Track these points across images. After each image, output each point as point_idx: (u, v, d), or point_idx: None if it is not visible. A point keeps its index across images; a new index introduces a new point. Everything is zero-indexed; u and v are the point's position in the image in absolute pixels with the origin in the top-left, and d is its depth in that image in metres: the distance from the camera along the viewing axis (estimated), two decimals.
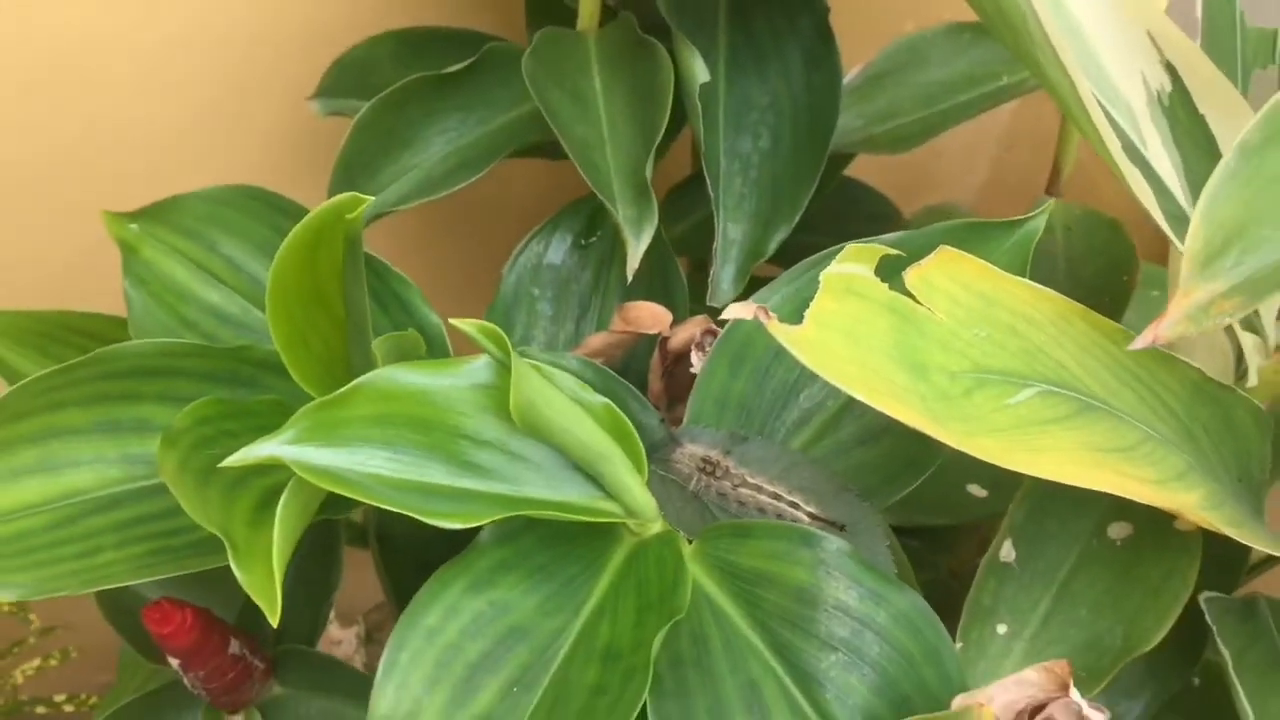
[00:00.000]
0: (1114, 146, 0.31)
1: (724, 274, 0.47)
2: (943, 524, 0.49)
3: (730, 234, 0.47)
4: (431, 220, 0.54)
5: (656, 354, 0.45)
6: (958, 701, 0.29)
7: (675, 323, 0.45)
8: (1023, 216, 0.35)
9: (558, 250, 0.50)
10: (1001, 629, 0.37)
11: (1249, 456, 0.38)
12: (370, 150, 0.50)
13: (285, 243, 0.32)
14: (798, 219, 0.47)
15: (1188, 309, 0.24)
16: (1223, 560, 0.40)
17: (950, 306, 0.30)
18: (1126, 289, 0.45)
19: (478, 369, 0.29)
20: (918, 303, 0.30)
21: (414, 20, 0.56)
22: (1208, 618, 0.38)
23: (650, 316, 0.44)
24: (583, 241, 0.50)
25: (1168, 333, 0.25)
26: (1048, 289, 0.33)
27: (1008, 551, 0.38)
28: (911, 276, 0.29)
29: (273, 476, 0.30)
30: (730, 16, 0.49)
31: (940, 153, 0.75)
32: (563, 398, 0.29)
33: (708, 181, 0.47)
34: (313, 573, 0.44)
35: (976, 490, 0.44)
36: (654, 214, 0.44)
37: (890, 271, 0.30)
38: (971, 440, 0.28)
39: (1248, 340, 0.38)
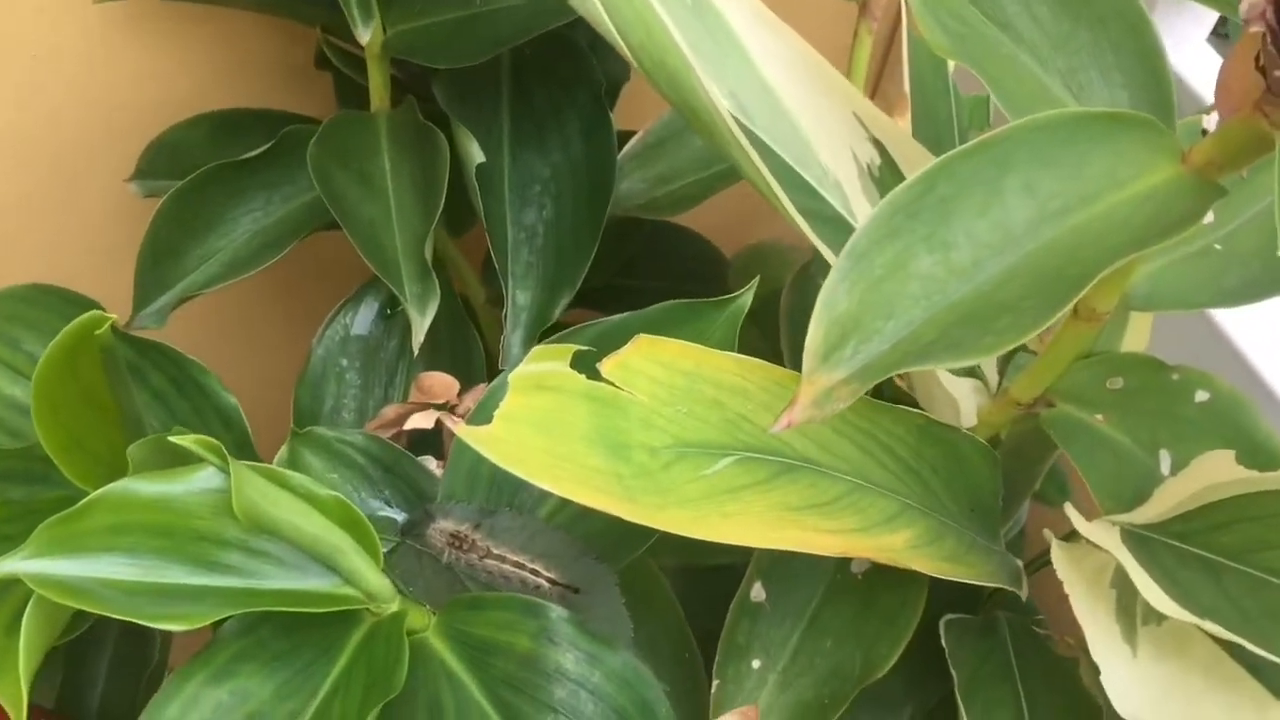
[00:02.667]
0: (799, 218, 0.34)
1: (514, 339, 0.50)
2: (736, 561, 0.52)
3: (519, 301, 0.50)
4: (243, 295, 0.56)
5: (448, 420, 0.47)
6: None
7: (464, 390, 0.48)
8: (731, 295, 0.38)
9: (364, 321, 0.53)
10: (756, 664, 0.41)
11: (980, 489, 0.42)
12: (175, 235, 0.52)
13: (42, 359, 0.34)
14: (580, 282, 0.50)
15: (814, 396, 0.28)
16: (965, 585, 0.44)
17: (652, 387, 0.34)
18: None
19: (210, 475, 0.32)
20: (618, 388, 0.33)
21: (230, 102, 0.59)
22: (943, 640, 0.41)
23: (440, 386, 0.47)
24: (388, 311, 0.53)
25: (799, 417, 0.28)
26: (757, 360, 0.36)
27: (758, 592, 0.41)
28: (608, 365, 0.33)
29: (28, 589, 0.32)
30: (512, 93, 0.52)
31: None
32: (290, 496, 0.31)
33: (492, 253, 0.50)
34: (129, 652, 0.47)
35: None
36: (436, 291, 0.47)
37: (595, 360, 0.33)
38: (662, 514, 0.32)
39: (962, 385, 0.42)
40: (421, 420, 0.29)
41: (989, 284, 0.28)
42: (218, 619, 0.30)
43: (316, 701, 0.31)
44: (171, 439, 0.30)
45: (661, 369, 0.34)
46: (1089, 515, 0.39)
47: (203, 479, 0.31)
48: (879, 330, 0.28)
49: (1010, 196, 0.28)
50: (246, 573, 0.31)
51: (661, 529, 0.31)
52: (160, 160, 0.57)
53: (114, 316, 0.34)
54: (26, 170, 0.58)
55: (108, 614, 0.29)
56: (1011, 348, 0.26)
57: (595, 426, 0.32)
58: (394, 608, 0.33)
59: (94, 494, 0.31)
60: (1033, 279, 0.28)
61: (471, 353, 0.52)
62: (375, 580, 0.32)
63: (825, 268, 0.57)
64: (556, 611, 0.33)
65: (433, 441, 0.48)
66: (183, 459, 0.38)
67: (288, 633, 0.32)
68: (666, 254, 0.69)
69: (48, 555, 0.30)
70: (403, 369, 0.53)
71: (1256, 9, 0.25)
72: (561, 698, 0.32)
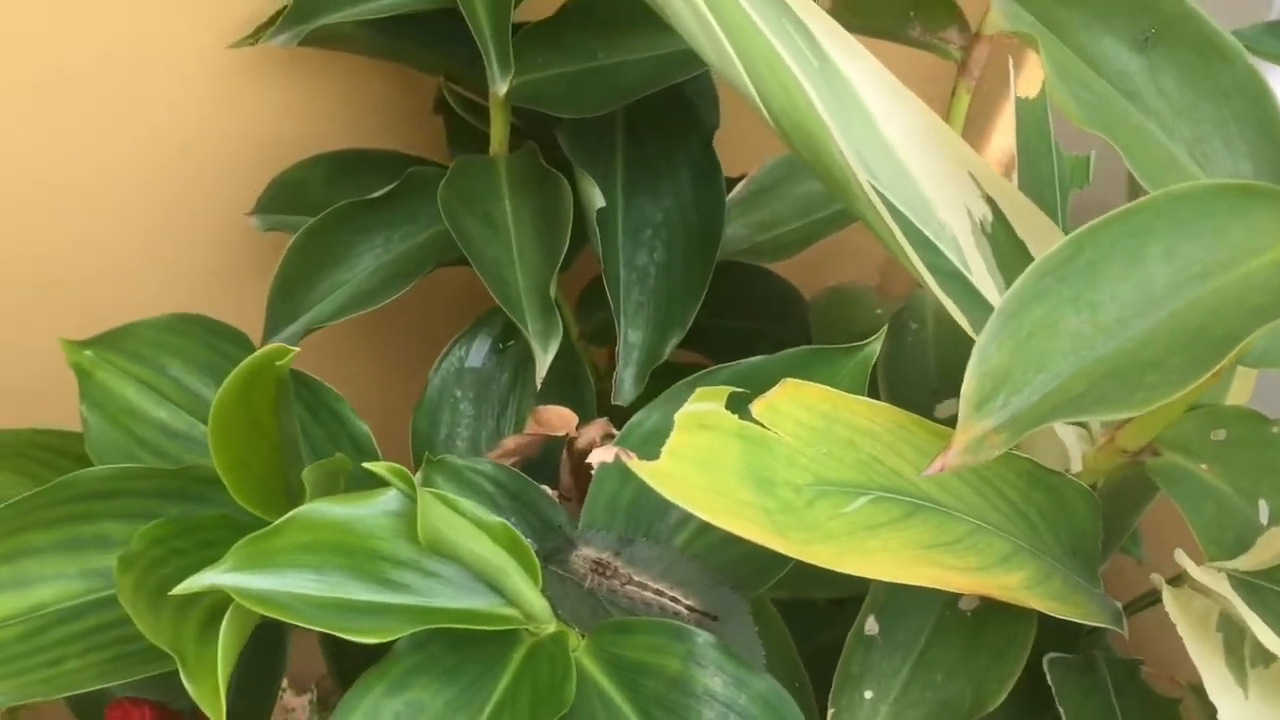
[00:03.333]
0: (925, 274, 0.37)
1: (625, 376, 0.52)
2: (841, 595, 0.54)
3: (630, 339, 0.52)
4: (364, 328, 0.59)
5: (565, 452, 0.50)
6: None
7: (582, 422, 0.50)
8: (860, 343, 0.40)
9: (478, 354, 0.55)
10: (868, 694, 0.43)
11: (1082, 533, 0.44)
12: (304, 270, 0.55)
13: (224, 384, 0.37)
14: (690, 323, 0.53)
15: (967, 443, 0.30)
16: (1064, 624, 0.46)
17: (795, 428, 0.36)
18: None
19: (390, 500, 0.34)
20: (765, 428, 0.35)
21: (347, 142, 0.62)
22: (1048, 678, 0.43)
23: (558, 419, 0.49)
24: (500, 346, 0.56)
25: (954, 463, 0.30)
26: (884, 404, 0.39)
27: (871, 625, 0.43)
28: (758, 407, 0.35)
29: (216, 596, 0.35)
30: (626, 141, 0.55)
31: (842, 235, 0.81)
32: (464, 521, 0.34)
33: (608, 293, 0.52)
34: (261, 663, 0.49)
35: None
36: (559, 327, 0.49)
37: (744, 401, 0.36)
38: (809, 549, 0.34)
39: (1069, 432, 0.44)
40: (603, 455, 0.32)
41: (1134, 342, 0.30)
42: (399, 634, 0.32)
43: (484, 716, 0.33)
44: (365, 465, 0.33)
45: (804, 411, 0.36)
46: (1178, 565, 0.41)
47: (384, 503, 0.34)
48: (1029, 383, 0.30)
49: (1152, 262, 0.31)
50: (420, 591, 0.34)
51: (810, 562, 0.33)
52: (281, 197, 0.60)
53: (296, 350, 0.36)
54: (156, 202, 0.61)
55: (301, 624, 0.31)
56: (1162, 404, 0.28)
57: (746, 464, 0.34)
58: (551, 628, 0.35)
59: (287, 515, 0.33)
60: (1176, 338, 0.30)
61: (581, 388, 0.54)
62: (536, 601, 0.35)
63: (919, 315, 0.60)
64: (703, 636, 0.35)
65: (538, 466, 0.51)
66: (336, 481, 0.40)
67: (456, 649, 0.34)
68: (747, 294, 0.71)
69: (245, 570, 0.32)
70: (514, 401, 0.55)
71: None
72: (711, 718, 0.34)
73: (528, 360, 0.55)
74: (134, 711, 0.41)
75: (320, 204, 0.56)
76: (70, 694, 0.39)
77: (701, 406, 0.34)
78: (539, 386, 0.49)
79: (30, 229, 0.59)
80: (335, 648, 0.48)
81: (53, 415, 0.53)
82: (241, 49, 0.57)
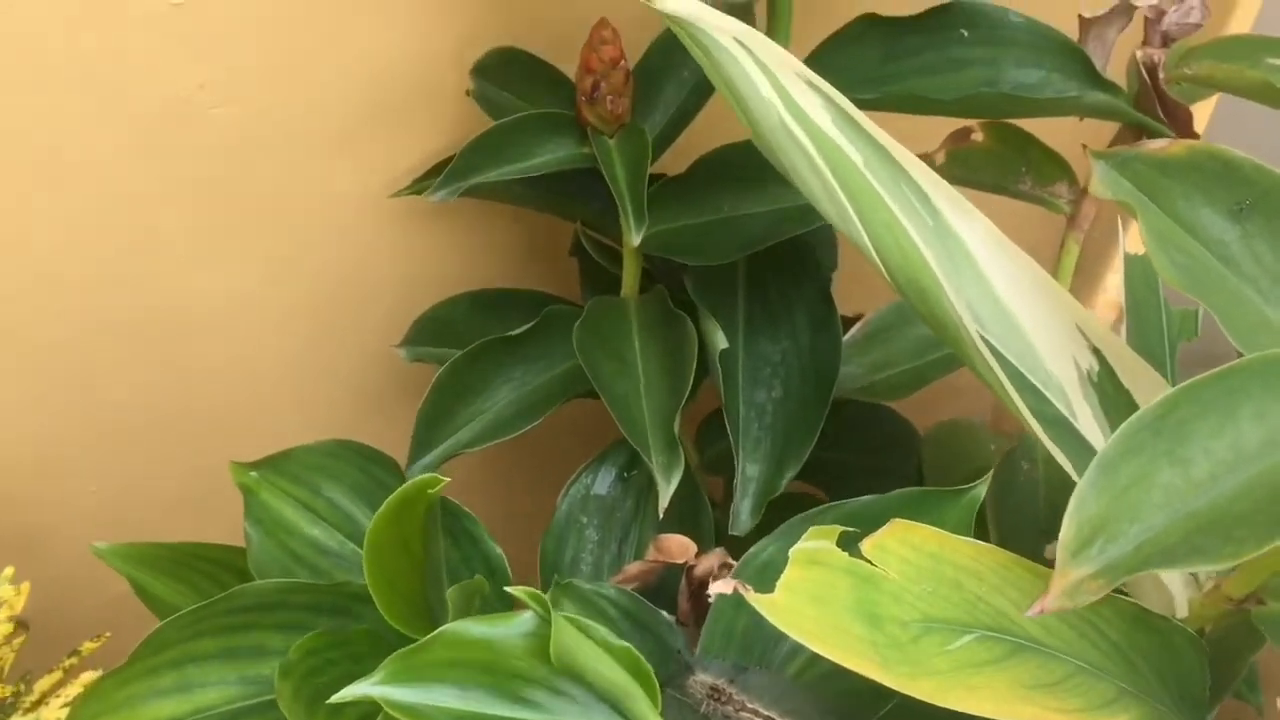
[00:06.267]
0: (1031, 420, 0.39)
1: (743, 507, 0.55)
2: None
3: (748, 473, 0.55)
4: (498, 456, 0.63)
5: (684, 579, 0.52)
6: None
7: (701, 551, 0.53)
8: (967, 486, 0.43)
9: (603, 482, 0.59)
10: None
11: (1189, 679, 0.45)
12: (448, 400, 0.59)
13: (380, 510, 0.41)
14: (805, 459, 0.55)
15: (1065, 588, 0.32)
16: None
17: (902, 566, 0.38)
18: None
19: (527, 621, 0.37)
20: (873, 565, 0.37)
21: (487, 282, 0.67)
22: None
23: (679, 547, 0.52)
24: (625, 475, 0.59)
25: (1052, 606, 0.32)
26: (988, 545, 0.41)
27: None
28: (867, 545, 0.37)
29: (367, 705, 0.38)
30: (747, 286, 0.58)
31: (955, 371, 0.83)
32: (592, 644, 0.37)
33: (728, 428, 0.55)
34: None
35: None
36: (681, 461, 0.52)
37: (855, 539, 0.38)
38: (914, 683, 0.36)
39: (1174, 578, 0.45)
40: (722, 586, 0.34)
41: (1225, 497, 0.32)
42: None
43: None
44: (508, 590, 0.36)
45: (911, 550, 0.38)
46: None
47: (520, 624, 0.37)
48: (1124, 532, 0.32)
49: (1244, 421, 0.33)
50: (551, 710, 0.37)
51: (915, 696, 0.35)
52: (427, 330, 0.65)
53: (446, 480, 0.40)
54: (314, 333, 0.67)
55: None
56: (1250, 557, 0.30)
57: (855, 600, 0.37)
58: None
59: (434, 633, 0.37)
60: (1267, 495, 0.32)
61: (700, 516, 0.57)
62: None
63: (1030, 455, 0.61)
64: None
65: (657, 592, 0.53)
66: (473, 601, 0.44)
67: None
68: (861, 428, 0.74)
69: (395, 683, 0.36)
70: (636, 528, 0.58)
71: None
72: None
73: (650, 489, 0.58)
74: None
75: (463, 338, 0.61)
76: None
77: (814, 544, 0.36)
78: (661, 515, 0.52)
79: (204, 358, 0.65)
80: None
81: (209, 528, 0.58)
82: (401, 198, 0.63)
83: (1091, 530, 0.32)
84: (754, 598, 0.34)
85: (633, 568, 0.53)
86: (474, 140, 0.55)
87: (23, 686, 0.58)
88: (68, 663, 0.59)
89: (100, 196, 0.56)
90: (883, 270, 0.41)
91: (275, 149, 0.59)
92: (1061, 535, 0.32)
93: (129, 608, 0.56)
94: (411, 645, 0.36)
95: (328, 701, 0.36)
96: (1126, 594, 0.46)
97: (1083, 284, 0.69)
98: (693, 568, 0.52)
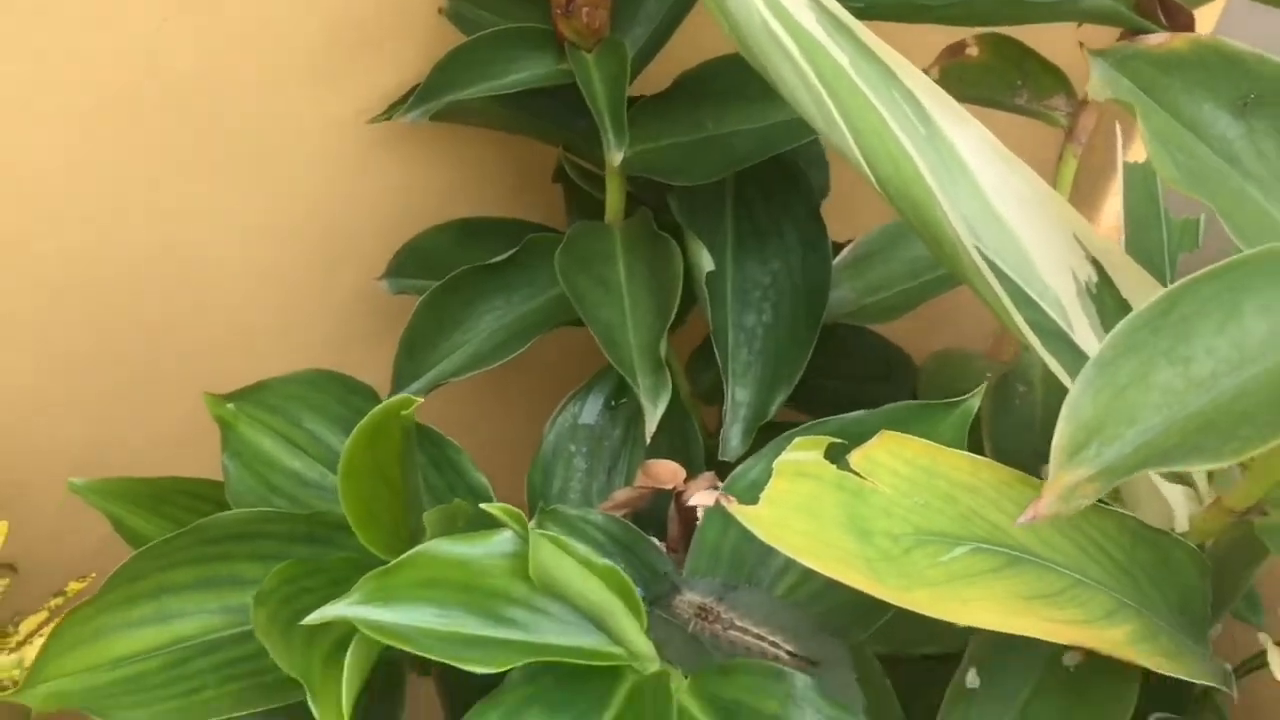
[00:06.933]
0: (1028, 331, 0.38)
1: (733, 432, 0.54)
2: (943, 650, 0.54)
3: (738, 397, 0.54)
4: (483, 387, 0.62)
5: (673, 504, 0.51)
6: None
7: (690, 477, 0.52)
8: (960, 398, 0.41)
9: (591, 411, 0.57)
10: None
11: (1190, 593, 0.44)
12: (429, 330, 0.58)
13: (353, 434, 0.40)
14: (796, 382, 0.54)
15: (1059, 491, 0.31)
16: (1172, 688, 0.45)
17: (893, 480, 0.37)
18: None
19: (505, 540, 0.36)
20: (863, 479, 0.36)
21: (471, 210, 0.65)
22: None
23: (667, 472, 0.51)
24: (613, 403, 0.58)
25: (1046, 511, 0.31)
26: (986, 460, 0.40)
27: (972, 679, 0.43)
28: (856, 457, 0.36)
29: (342, 629, 0.37)
30: (735, 207, 0.57)
31: (954, 301, 0.82)
32: (572, 562, 0.35)
33: (716, 353, 0.54)
34: (379, 712, 0.51)
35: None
36: (668, 384, 0.51)
37: (843, 452, 0.37)
38: (908, 594, 0.35)
39: (1174, 491, 0.44)
40: (703, 498, 0.33)
41: (1226, 396, 0.31)
42: (509, 666, 0.34)
43: None
44: (483, 506, 0.35)
45: (903, 464, 0.37)
46: None
47: (499, 543, 0.36)
48: (1121, 435, 0.31)
49: (1248, 317, 0.31)
50: (530, 628, 0.36)
51: (909, 608, 0.34)
52: (410, 262, 0.63)
53: (420, 400, 0.39)
54: (291, 267, 0.65)
55: (421, 654, 0.33)
56: (1255, 454, 0.29)
57: (844, 513, 0.35)
58: (655, 667, 0.36)
59: (410, 552, 0.35)
60: (1272, 392, 0.30)
61: (690, 443, 0.56)
62: (640, 641, 0.36)
63: (1026, 378, 0.60)
64: (801, 679, 0.36)
65: (647, 521, 0.52)
66: (455, 526, 0.42)
67: (564, 684, 0.36)
68: (855, 356, 0.72)
69: (370, 603, 0.35)
70: (625, 456, 0.57)
71: None
72: None
73: (639, 417, 0.57)
74: None
75: (447, 268, 0.59)
76: None
77: (800, 455, 0.35)
78: (648, 441, 0.50)
79: (169, 294, 0.63)
80: (450, 692, 0.50)
81: (192, 467, 0.56)
82: (377, 124, 0.61)
83: (1087, 433, 0.31)
84: (737, 509, 0.33)
85: (621, 494, 0.52)
86: (446, 56, 0.53)
87: (11, 628, 0.57)
88: (53, 603, 0.58)
89: (68, 145, 0.54)
90: (872, 180, 0.40)
91: (244, 82, 0.57)
92: (1056, 438, 0.31)
93: (115, 550, 0.55)
94: (387, 565, 0.35)
95: (302, 623, 0.35)
96: (1127, 511, 0.45)
97: (1083, 201, 0.67)
98: (681, 493, 0.51)
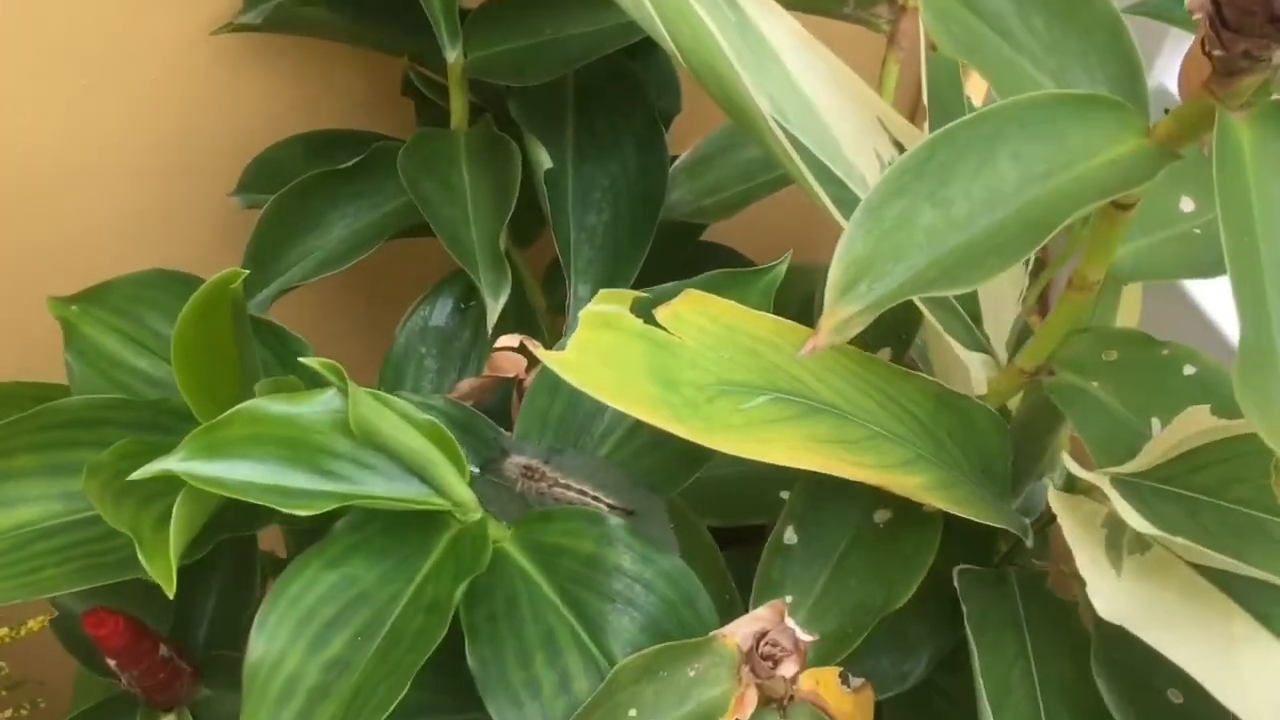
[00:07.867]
0: (829, 203, 0.40)
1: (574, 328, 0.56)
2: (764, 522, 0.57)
3: (580, 293, 0.56)
4: (335, 293, 0.63)
5: (515, 394, 0.53)
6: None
7: (532, 368, 0.54)
8: (767, 265, 0.44)
9: (441, 314, 0.59)
10: (788, 599, 0.46)
11: (990, 453, 0.47)
12: (277, 237, 0.59)
13: (184, 310, 0.41)
14: (634, 279, 0.56)
15: (834, 324, 0.33)
16: (976, 538, 0.49)
17: (698, 335, 0.39)
18: None
19: (330, 398, 0.38)
20: (669, 333, 0.39)
21: (322, 125, 0.66)
22: (955, 583, 0.46)
23: (509, 362, 0.53)
24: (462, 306, 0.59)
25: (822, 343, 0.33)
26: (791, 322, 0.42)
27: (790, 535, 0.46)
28: (662, 313, 0.38)
29: (174, 495, 0.38)
30: (576, 115, 0.59)
31: (806, 219, 0.85)
32: (394, 415, 0.37)
33: (558, 251, 0.56)
34: (233, 591, 0.52)
35: (785, 494, 0.53)
36: (508, 278, 0.53)
37: (650, 307, 0.39)
38: (711, 436, 0.37)
39: (973, 358, 0.47)
40: (507, 340, 0.35)
41: (982, 234, 0.34)
42: (331, 508, 0.36)
43: (413, 586, 0.37)
44: (301, 360, 0.36)
45: (708, 320, 0.40)
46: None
47: (323, 401, 0.38)
48: (889, 272, 0.34)
49: (1001, 162, 0.34)
50: (355, 480, 0.37)
51: (712, 448, 0.37)
52: (260, 176, 0.64)
53: (245, 272, 0.40)
54: (140, 180, 0.66)
55: (247, 499, 0.35)
56: (995, 275, 0.32)
57: (649, 364, 0.38)
58: (477, 516, 0.39)
59: (231, 410, 0.37)
60: (1019, 230, 0.33)
61: (536, 337, 0.58)
62: (462, 491, 0.38)
63: None
64: (614, 521, 0.38)
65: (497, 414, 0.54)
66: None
67: (388, 532, 0.38)
68: (702, 267, 0.75)
69: (196, 458, 0.36)
70: (475, 356, 0.59)
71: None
72: (619, 590, 0.37)
73: (487, 319, 0.59)
74: (109, 619, 0.45)
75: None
76: (42, 596, 0.42)
77: (605, 307, 0.37)
78: (490, 331, 0.52)
79: (20, 211, 0.63)
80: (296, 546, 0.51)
81: (40, 373, 0.57)
82: (221, 37, 0.61)
83: (858, 271, 0.33)
84: (544, 354, 0.35)
85: (465, 384, 0.54)
86: None
87: None
88: None
89: None
90: (679, 57, 0.42)
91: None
92: (829, 276, 0.33)
93: None
94: (211, 422, 0.37)
95: (129, 478, 0.36)
96: (930, 376, 0.48)
97: (906, 104, 0.70)
98: (522, 381, 0.53)
